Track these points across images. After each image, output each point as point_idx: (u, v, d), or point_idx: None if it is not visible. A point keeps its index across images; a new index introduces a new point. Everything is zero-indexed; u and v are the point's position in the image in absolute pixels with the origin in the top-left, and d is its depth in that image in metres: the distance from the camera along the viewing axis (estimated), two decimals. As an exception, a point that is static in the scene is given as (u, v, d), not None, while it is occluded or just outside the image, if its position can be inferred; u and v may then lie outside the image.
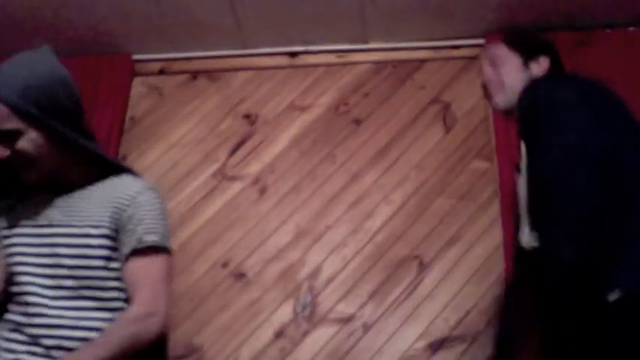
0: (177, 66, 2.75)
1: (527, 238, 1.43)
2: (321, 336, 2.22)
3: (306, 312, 2.25)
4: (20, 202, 1.49)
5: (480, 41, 2.55)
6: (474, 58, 2.59)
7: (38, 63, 1.41)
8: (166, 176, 2.55)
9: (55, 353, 1.32)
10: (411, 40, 2.62)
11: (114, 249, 1.40)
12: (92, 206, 1.42)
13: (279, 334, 2.23)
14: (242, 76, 2.71)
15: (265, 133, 2.59)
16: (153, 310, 1.37)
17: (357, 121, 2.57)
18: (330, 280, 2.30)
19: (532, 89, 1.47)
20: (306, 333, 2.22)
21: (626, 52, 2.44)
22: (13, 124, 1.34)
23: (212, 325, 2.27)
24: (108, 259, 1.39)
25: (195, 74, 2.74)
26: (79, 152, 1.44)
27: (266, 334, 2.24)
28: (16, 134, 1.35)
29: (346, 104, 2.61)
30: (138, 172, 1.52)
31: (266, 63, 2.72)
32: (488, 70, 1.67)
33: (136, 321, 1.35)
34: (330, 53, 2.70)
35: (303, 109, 2.62)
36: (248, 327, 2.25)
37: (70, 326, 1.34)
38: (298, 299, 2.28)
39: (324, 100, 2.63)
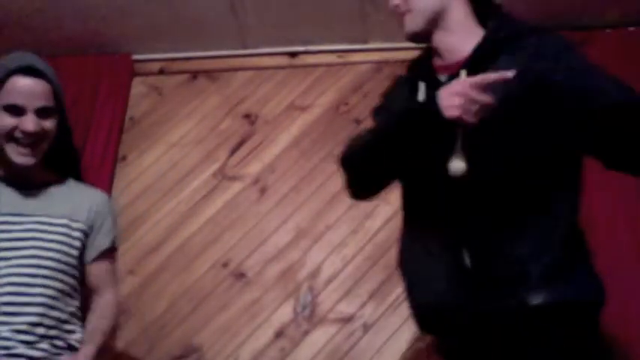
0: (177, 66, 2.75)
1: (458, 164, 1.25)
2: (321, 336, 2.21)
3: (306, 312, 2.25)
4: None
5: (480, 41, 2.55)
6: (474, 58, 2.59)
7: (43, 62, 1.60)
8: (166, 176, 2.55)
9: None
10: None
11: (84, 245, 1.63)
12: (66, 203, 1.60)
13: (279, 334, 2.23)
14: (242, 76, 2.71)
15: (265, 133, 2.59)
16: (116, 296, 1.75)
17: (357, 121, 2.57)
18: (330, 280, 2.30)
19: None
20: (306, 333, 2.22)
21: (626, 52, 2.44)
22: (52, 103, 1.53)
23: (212, 325, 2.27)
24: (80, 250, 1.61)
25: (195, 74, 2.74)
26: (60, 148, 1.63)
27: (266, 334, 2.24)
28: (49, 113, 1.52)
29: (346, 104, 2.61)
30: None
31: (266, 63, 2.72)
32: None
33: (113, 307, 1.71)
34: (330, 53, 2.70)
35: (303, 109, 2.62)
36: (248, 327, 2.25)
37: (48, 305, 1.50)
38: (298, 299, 2.28)
39: (324, 100, 2.63)
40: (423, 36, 1.44)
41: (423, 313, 1.41)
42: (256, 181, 2.51)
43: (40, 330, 1.46)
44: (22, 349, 1.42)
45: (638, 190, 2.22)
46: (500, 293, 1.25)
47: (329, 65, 2.69)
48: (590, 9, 2.45)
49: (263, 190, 2.48)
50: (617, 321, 2.05)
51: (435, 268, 1.35)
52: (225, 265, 2.37)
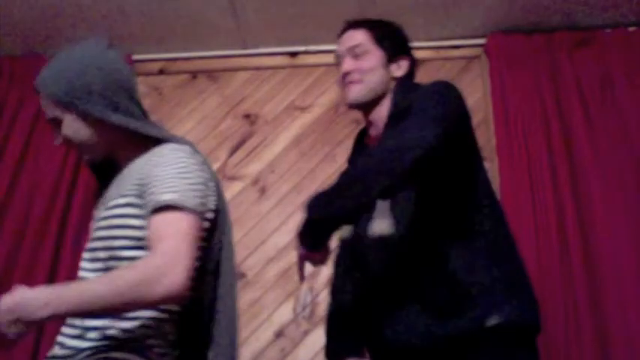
0: (177, 66, 2.75)
1: (383, 226, 1.41)
2: (321, 336, 2.21)
3: (306, 312, 2.25)
4: (104, 188, 1.52)
5: (480, 41, 2.56)
6: (474, 58, 2.59)
7: (75, 52, 1.46)
8: (166, 176, 2.55)
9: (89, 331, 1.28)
10: (410, 40, 2.61)
11: (139, 217, 1.32)
12: (128, 178, 1.39)
13: (279, 334, 2.23)
14: (242, 76, 2.71)
15: (265, 133, 2.59)
16: (174, 262, 1.20)
17: (357, 121, 2.57)
18: (330, 280, 2.30)
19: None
20: (306, 333, 2.22)
21: (626, 52, 2.44)
22: (54, 112, 1.42)
23: (212, 325, 2.27)
24: (132, 227, 1.32)
25: (195, 74, 2.74)
26: (122, 131, 1.42)
27: (266, 334, 2.24)
28: (58, 121, 1.42)
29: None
30: (179, 139, 1.45)
31: (266, 63, 2.72)
32: (348, 60, 1.59)
33: (148, 268, 1.19)
34: (330, 53, 2.67)
35: (303, 109, 2.62)
36: (248, 327, 2.25)
37: None
38: (298, 299, 2.28)
39: (324, 100, 2.63)
40: (365, 107, 1.57)
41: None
42: (256, 181, 2.51)
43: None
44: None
45: (637, 185, 2.23)
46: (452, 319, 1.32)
47: (329, 65, 2.69)
48: (590, 9, 2.45)
49: (263, 190, 2.49)
50: (618, 321, 2.06)
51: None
52: (225, 265, 2.36)
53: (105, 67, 1.43)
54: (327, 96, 2.63)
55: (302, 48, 2.70)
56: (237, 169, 2.54)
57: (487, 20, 2.51)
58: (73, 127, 1.41)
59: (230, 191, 2.50)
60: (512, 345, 1.29)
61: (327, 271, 2.31)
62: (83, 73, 1.42)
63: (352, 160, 1.64)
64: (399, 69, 1.57)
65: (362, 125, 2.64)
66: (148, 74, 2.74)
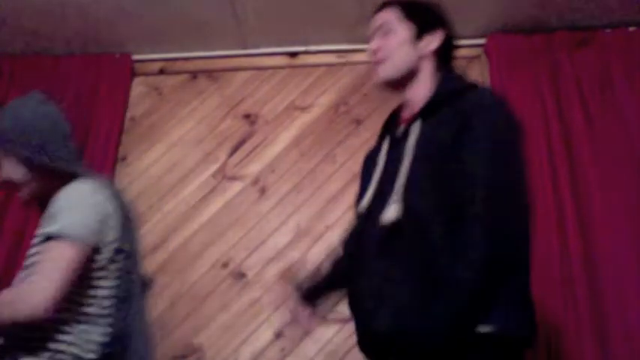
0: (177, 66, 2.75)
1: (392, 213, 1.34)
2: (321, 336, 2.22)
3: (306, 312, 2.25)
4: None
5: (480, 41, 2.55)
6: (474, 59, 2.59)
7: (14, 106, 1.65)
8: (166, 176, 2.55)
9: None
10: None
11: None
12: (45, 215, 1.55)
13: (279, 334, 2.23)
14: (242, 76, 2.71)
15: (265, 133, 2.59)
16: (40, 286, 1.40)
17: (357, 121, 2.57)
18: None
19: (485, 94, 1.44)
20: (306, 333, 2.22)
21: (626, 52, 2.44)
22: None
23: (212, 325, 2.27)
24: None
25: (195, 74, 2.74)
26: (56, 173, 1.59)
27: (266, 334, 2.24)
28: None
29: (346, 104, 2.61)
30: (90, 175, 1.62)
31: (266, 63, 2.72)
32: (375, 40, 1.56)
33: (20, 290, 1.43)
34: (330, 53, 2.70)
35: (303, 109, 2.62)
36: (248, 327, 2.25)
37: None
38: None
39: (324, 100, 2.63)
40: (395, 85, 1.54)
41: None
42: (256, 181, 2.51)
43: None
44: None
45: (637, 185, 2.23)
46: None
47: (329, 65, 2.69)
48: (590, 9, 2.45)
49: (263, 190, 2.49)
50: (618, 320, 2.06)
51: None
52: (225, 265, 2.37)
53: (44, 116, 1.64)
54: (327, 96, 2.63)
55: (302, 48, 2.70)
56: (237, 169, 2.54)
57: (487, 20, 2.51)
58: (11, 169, 1.59)
59: (230, 191, 2.50)
60: (499, 356, 1.26)
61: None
62: (20, 122, 1.60)
63: (379, 145, 1.57)
64: (431, 43, 1.52)
65: (362, 125, 2.65)
66: (148, 74, 2.74)
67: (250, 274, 2.34)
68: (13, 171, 1.59)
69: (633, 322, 2.04)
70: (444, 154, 1.33)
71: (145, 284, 1.63)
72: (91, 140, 2.50)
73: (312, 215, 2.41)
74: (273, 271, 2.33)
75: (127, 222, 1.58)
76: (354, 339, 2.18)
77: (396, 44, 1.52)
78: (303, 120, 2.60)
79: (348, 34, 2.62)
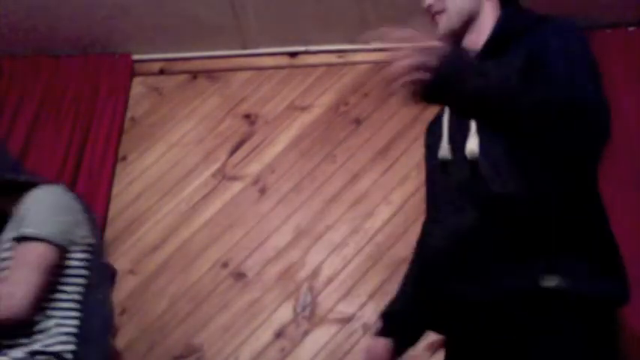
0: (177, 66, 2.75)
1: (473, 144, 1.26)
2: (321, 336, 2.21)
3: (306, 312, 2.25)
4: None
5: (480, 41, 2.55)
6: (474, 58, 2.59)
7: None
8: (166, 176, 2.55)
9: None
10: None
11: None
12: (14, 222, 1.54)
13: (279, 334, 2.23)
14: (242, 76, 2.71)
15: (265, 133, 2.59)
16: (15, 290, 1.42)
17: (357, 121, 2.57)
18: (330, 280, 2.30)
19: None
20: (306, 333, 2.22)
21: (626, 52, 2.44)
22: None
23: (212, 325, 2.27)
24: None
25: (195, 74, 2.74)
26: (6, 185, 1.58)
27: (266, 334, 2.24)
28: None
29: (346, 104, 2.61)
30: (45, 179, 1.65)
31: (266, 63, 2.72)
32: None
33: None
34: (330, 53, 2.70)
35: (303, 109, 2.62)
36: (248, 327, 2.25)
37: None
38: (298, 299, 2.28)
39: (324, 100, 2.63)
40: (457, 35, 1.44)
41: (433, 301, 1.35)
42: (256, 181, 2.50)
43: None
44: None
45: (636, 184, 2.22)
46: (510, 273, 1.18)
47: (329, 65, 2.69)
48: (590, 9, 2.45)
49: (263, 190, 2.48)
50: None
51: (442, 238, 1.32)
52: (225, 265, 2.37)
53: None
54: (327, 96, 2.63)
55: (302, 48, 2.70)
56: (237, 169, 2.54)
57: (487, 20, 2.51)
58: None
59: (230, 191, 2.50)
60: (572, 317, 1.13)
61: (327, 271, 2.32)
62: None
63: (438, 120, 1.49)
64: None
65: (362, 125, 2.65)
66: (148, 74, 2.74)
67: (250, 274, 2.34)
68: None
69: (633, 323, 2.04)
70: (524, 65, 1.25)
71: (112, 274, 1.70)
72: (91, 140, 2.50)
73: (312, 215, 2.41)
74: (273, 271, 2.33)
75: (91, 216, 1.63)
76: (354, 339, 2.19)
77: None
78: (303, 120, 2.60)
79: (348, 34, 2.62)
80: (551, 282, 1.13)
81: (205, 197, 2.50)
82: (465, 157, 1.29)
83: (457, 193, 1.31)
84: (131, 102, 2.68)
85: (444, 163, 1.36)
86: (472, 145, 1.27)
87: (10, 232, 1.51)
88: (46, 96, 2.58)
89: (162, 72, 2.75)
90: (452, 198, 1.32)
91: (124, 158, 2.57)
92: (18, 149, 2.48)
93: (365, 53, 2.68)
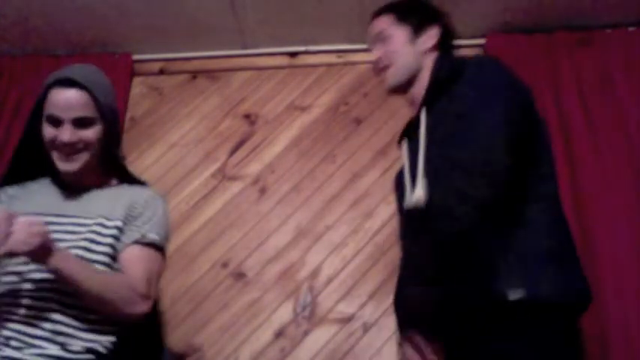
0: (177, 66, 2.75)
1: (418, 195, 1.35)
2: (321, 336, 2.21)
3: (306, 312, 2.25)
4: (23, 191, 1.62)
5: (480, 41, 2.55)
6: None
7: (102, 74, 1.68)
8: (166, 176, 2.55)
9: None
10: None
11: (119, 240, 1.54)
12: (106, 203, 1.57)
13: (279, 334, 2.23)
14: (242, 76, 2.71)
15: (265, 133, 2.59)
16: (146, 293, 1.50)
17: (357, 121, 2.57)
18: (330, 280, 2.30)
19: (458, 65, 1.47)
20: (306, 333, 2.22)
21: (626, 52, 2.44)
22: (91, 112, 1.54)
23: (212, 325, 2.27)
24: (113, 248, 1.52)
25: (195, 74, 2.74)
26: (111, 157, 1.64)
27: (266, 334, 2.24)
28: (88, 123, 1.54)
29: (346, 104, 2.61)
30: (147, 184, 1.72)
31: (266, 63, 2.72)
32: (376, 49, 1.60)
33: (131, 289, 1.47)
34: (330, 53, 2.70)
35: (303, 109, 2.62)
36: (248, 327, 2.25)
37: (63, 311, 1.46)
38: (298, 299, 2.28)
39: (324, 100, 2.63)
40: (403, 88, 1.57)
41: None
42: (256, 181, 2.51)
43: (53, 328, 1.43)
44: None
45: (636, 185, 2.22)
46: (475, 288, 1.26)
47: (329, 65, 2.69)
48: (590, 9, 2.45)
49: (263, 190, 2.48)
50: (618, 322, 2.05)
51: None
52: (225, 265, 2.37)
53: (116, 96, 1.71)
54: (327, 96, 2.63)
55: (302, 48, 2.70)
56: (237, 169, 2.54)
57: (487, 20, 2.51)
58: (97, 136, 1.57)
59: (230, 191, 2.50)
60: (534, 324, 1.22)
61: (327, 271, 2.32)
62: (112, 95, 1.65)
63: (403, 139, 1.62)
64: (429, 39, 1.56)
65: (362, 125, 2.65)
66: (148, 74, 2.74)
67: (250, 274, 2.34)
68: (95, 135, 1.56)
69: (633, 323, 2.04)
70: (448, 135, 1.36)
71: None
72: (91, 140, 2.50)
73: (312, 215, 2.41)
74: (273, 271, 2.33)
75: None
76: (354, 339, 2.19)
77: (396, 49, 1.56)
78: (303, 120, 2.60)
79: (348, 34, 2.62)
80: (517, 295, 1.21)
81: (205, 197, 2.50)
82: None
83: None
84: (131, 102, 2.68)
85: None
86: (418, 193, 1.35)
87: (117, 216, 1.54)
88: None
89: (162, 72, 2.75)
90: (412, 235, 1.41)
91: (124, 158, 2.57)
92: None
93: (365, 53, 2.67)
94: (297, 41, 2.67)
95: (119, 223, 1.54)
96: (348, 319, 2.23)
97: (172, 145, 2.61)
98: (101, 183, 1.64)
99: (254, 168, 2.53)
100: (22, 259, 1.39)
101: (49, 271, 1.38)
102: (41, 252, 1.34)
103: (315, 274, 2.31)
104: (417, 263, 1.30)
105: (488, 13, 2.47)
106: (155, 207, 1.61)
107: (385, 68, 1.57)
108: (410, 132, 1.57)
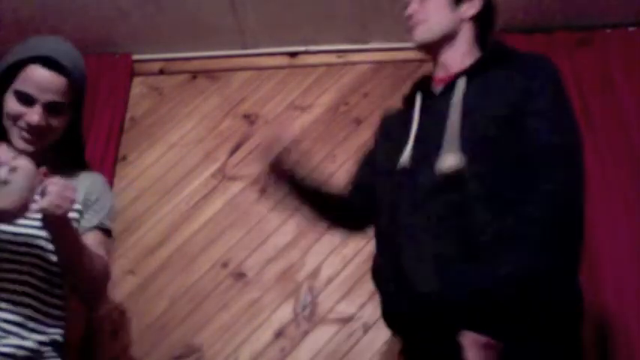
0: (177, 66, 2.75)
1: (452, 160, 1.31)
2: (321, 336, 2.21)
3: (306, 312, 2.25)
4: None
5: (480, 41, 2.55)
6: (474, 58, 2.59)
7: (78, 53, 1.61)
8: (166, 176, 2.55)
9: None
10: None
11: (79, 222, 1.55)
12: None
13: (279, 334, 2.23)
14: (242, 76, 2.71)
15: (265, 133, 2.59)
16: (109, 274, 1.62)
17: (357, 121, 2.57)
18: (330, 280, 2.30)
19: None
20: (306, 333, 2.22)
21: (626, 52, 2.44)
22: (65, 99, 1.49)
23: (212, 325, 2.27)
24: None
25: (195, 74, 2.74)
26: (68, 142, 1.60)
27: (266, 334, 2.24)
28: (60, 109, 1.50)
29: (346, 104, 2.61)
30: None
31: (266, 63, 2.72)
32: (414, 3, 1.54)
33: (107, 270, 1.59)
34: (330, 53, 2.70)
35: (303, 109, 2.62)
36: (248, 327, 2.25)
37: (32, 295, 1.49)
38: (298, 299, 2.28)
39: (324, 100, 2.63)
40: (432, 47, 1.53)
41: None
42: (256, 181, 2.50)
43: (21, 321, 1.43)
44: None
45: (637, 185, 2.22)
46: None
47: (329, 65, 2.69)
48: (590, 9, 2.45)
49: (263, 190, 2.48)
50: (618, 321, 2.06)
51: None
52: (225, 265, 2.36)
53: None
54: (327, 96, 2.63)
55: (302, 48, 2.70)
56: (237, 169, 2.54)
57: (487, 20, 2.51)
58: (65, 123, 1.54)
59: (230, 191, 2.50)
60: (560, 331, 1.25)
61: (327, 271, 2.32)
62: (84, 79, 1.59)
63: (407, 108, 1.55)
64: (471, 8, 1.53)
65: (362, 125, 2.65)
66: (148, 74, 2.74)
67: (250, 274, 2.34)
68: (63, 122, 1.53)
69: (633, 323, 2.04)
70: (507, 110, 1.33)
71: None
72: (91, 140, 2.49)
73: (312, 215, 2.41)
74: (273, 271, 2.33)
75: None
76: (354, 339, 2.19)
77: (437, 7, 1.51)
78: (303, 120, 2.60)
79: (348, 34, 2.62)
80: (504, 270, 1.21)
81: (205, 197, 2.49)
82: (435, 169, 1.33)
83: (427, 202, 1.33)
84: (131, 102, 2.68)
85: (404, 169, 1.42)
86: (445, 162, 1.31)
87: (77, 200, 1.50)
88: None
89: (162, 72, 2.75)
90: (415, 203, 1.35)
91: (124, 158, 2.57)
92: (18, 149, 2.49)
93: (365, 53, 2.68)
94: (297, 41, 2.67)
95: (79, 207, 1.53)
96: (348, 319, 2.23)
97: (172, 145, 2.61)
98: (57, 169, 1.57)
99: (254, 168, 2.53)
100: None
101: (56, 239, 1.40)
102: (64, 219, 1.35)
103: (315, 274, 2.31)
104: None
105: (488, 13, 2.47)
106: (109, 196, 1.66)
107: (418, 23, 1.52)
108: (426, 91, 1.52)
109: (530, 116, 1.33)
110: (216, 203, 2.48)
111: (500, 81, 1.39)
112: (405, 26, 1.58)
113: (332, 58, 2.70)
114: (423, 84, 1.57)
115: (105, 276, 1.57)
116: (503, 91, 1.36)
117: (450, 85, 1.44)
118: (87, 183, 1.59)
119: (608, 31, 2.51)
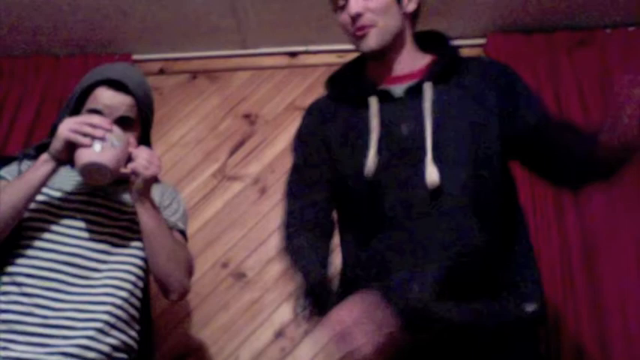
0: (177, 66, 2.75)
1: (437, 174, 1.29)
2: (321, 336, 2.21)
3: (306, 312, 2.25)
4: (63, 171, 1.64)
5: (480, 41, 2.55)
6: (474, 58, 2.59)
7: (144, 79, 1.67)
8: (166, 176, 2.53)
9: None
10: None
11: None
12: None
13: (279, 334, 2.23)
14: (242, 76, 2.71)
15: (265, 133, 2.59)
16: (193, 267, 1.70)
17: (357, 121, 2.57)
18: (329, 279, 2.30)
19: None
20: (306, 333, 2.22)
21: (626, 52, 2.44)
22: (133, 114, 1.59)
23: (212, 325, 2.27)
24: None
25: (195, 74, 2.74)
26: None
27: (266, 334, 2.24)
28: (128, 124, 1.57)
29: (346, 104, 2.61)
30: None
31: (266, 63, 2.72)
32: (358, 3, 1.39)
33: (190, 264, 1.66)
34: (330, 53, 2.70)
35: (303, 109, 2.61)
36: (248, 327, 2.26)
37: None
38: (298, 299, 2.28)
39: (324, 100, 2.62)
40: (384, 51, 1.45)
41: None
42: (256, 181, 2.51)
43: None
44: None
45: (637, 187, 2.22)
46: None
47: (329, 65, 2.68)
48: (590, 9, 2.45)
49: (263, 190, 2.48)
50: (618, 322, 2.06)
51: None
52: (225, 265, 2.37)
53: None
54: (327, 96, 2.63)
55: (302, 48, 2.70)
56: (237, 169, 2.54)
57: (487, 20, 2.51)
58: (134, 139, 1.57)
59: (230, 191, 2.50)
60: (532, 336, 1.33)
61: (327, 271, 2.31)
62: (151, 100, 1.68)
63: (353, 103, 1.47)
64: (412, 3, 1.44)
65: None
66: (148, 74, 2.71)
67: (250, 274, 2.34)
68: (133, 137, 1.57)
69: (633, 323, 2.04)
70: (485, 115, 1.35)
71: None
72: (91, 140, 2.49)
73: (312, 215, 2.41)
74: (273, 271, 2.33)
75: None
76: (354, 339, 2.19)
77: (385, 5, 1.40)
78: (303, 120, 2.59)
79: (348, 34, 2.62)
80: (530, 307, 1.27)
81: (205, 197, 2.50)
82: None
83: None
84: (131, 102, 2.68)
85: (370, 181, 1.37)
86: (433, 175, 1.29)
87: (164, 206, 1.65)
88: (46, 96, 2.58)
89: (162, 72, 2.75)
90: (410, 215, 1.34)
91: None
92: (18, 149, 2.48)
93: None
94: (297, 41, 2.67)
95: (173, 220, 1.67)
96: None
97: (172, 145, 2.61)
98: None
99: (254, 168, 2.53)
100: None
101: (141, 212, 1.49)
102: (150, 184, 1.48)
103: (315, 274, 2.31)
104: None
105: (488, 13, 2.47)
106: (182, 201, 1.75)
107: (367, 27, 1.40)
108: (381, 93, 1.43)
109: (519, 109, 1.37)
110: (216, 203, 2.48)
111: (471, 86, 1.37)
112: (346, 32, 1.49)
113: (332, 58, 2.69)
114: (363, 85, 1.49)
115: (189, 264, 1.64)
116: (477, 96, 1.36)
117: (415, 89, 1.38)
118: (160, 190, 1.68)
119: (608, 31, 2.51)
